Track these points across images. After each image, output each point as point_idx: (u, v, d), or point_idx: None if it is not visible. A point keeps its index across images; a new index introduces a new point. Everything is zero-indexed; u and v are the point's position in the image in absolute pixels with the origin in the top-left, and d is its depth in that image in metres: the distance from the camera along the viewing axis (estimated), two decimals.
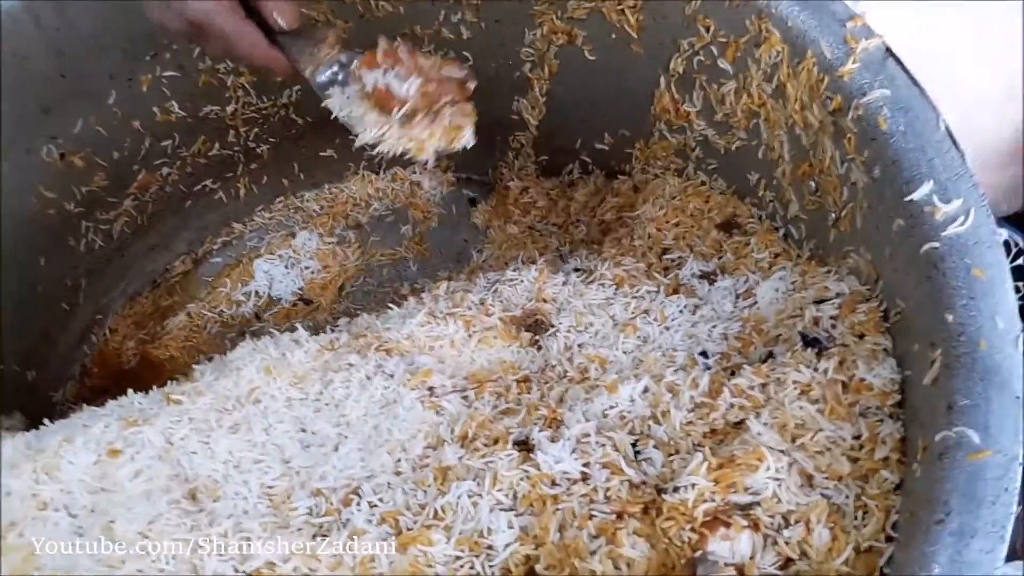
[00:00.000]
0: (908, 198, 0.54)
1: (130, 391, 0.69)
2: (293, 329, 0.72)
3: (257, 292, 1.01)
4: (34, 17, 0.74)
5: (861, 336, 0.57)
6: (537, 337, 0.70)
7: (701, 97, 0.77)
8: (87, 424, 0.62)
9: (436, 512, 0.55)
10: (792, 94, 0.65)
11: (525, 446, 0.58)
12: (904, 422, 0.52)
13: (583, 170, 1.00)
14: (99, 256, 0.95)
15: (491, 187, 1.08)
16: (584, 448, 0.57)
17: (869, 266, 0.60)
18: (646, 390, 0.60)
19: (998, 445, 0.45)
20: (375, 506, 0.56)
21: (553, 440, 0.57)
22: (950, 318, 0.49)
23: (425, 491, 0.57)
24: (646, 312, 0.69)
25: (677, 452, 0.56)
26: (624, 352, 0.66)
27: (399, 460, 0.59)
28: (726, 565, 0.48)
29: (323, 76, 0.62)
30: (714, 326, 0.66)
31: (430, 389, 0.64)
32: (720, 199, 0.79)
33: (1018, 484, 0.44)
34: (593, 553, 0.51)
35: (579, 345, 0.68)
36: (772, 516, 0.50)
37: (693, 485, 0.51)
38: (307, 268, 1.03)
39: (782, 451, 0.52)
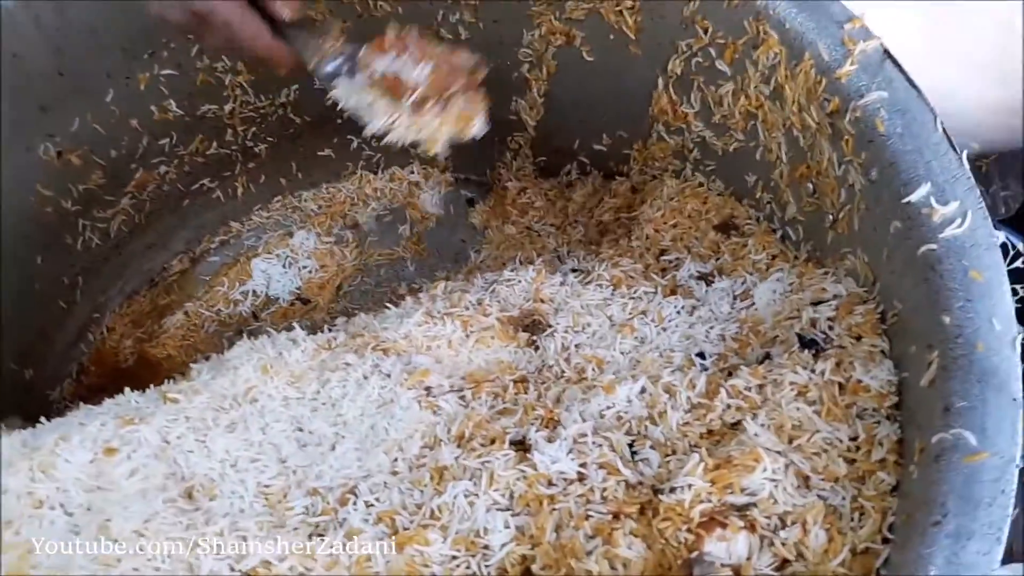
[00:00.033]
0: (905, 200, 0.54)
1: (127, 389, 0.68)
2: (290, 328, 0.71)
3: (254, 291, 1.01)
4: (33, 16, 0.74)
5: (858, 338, 0.57)
6: (534, 337, 0.70)
7: (699, 98, 0.77)
8: (84, 422, 0.62)
9: (432, 512, 0.55)
10: (790, 96, 0.65)
11: (522, 446, 0.58)
12: (901, 424, 0.52)
13: (581, 171, 1.00)
14: (96, 254, 0.95)
15: (489, 187, 1.08)
16: (581, 448, 0.57)
17: (866, 268, 0.60)
18: (643, 391, 0.60)
19: (995, 447, 0.45)
20: (371, 506, 0.56)
21: (550, 440, 0.57)
22: (947, 320, 0.49)
23: (421, 491, 0.57)
24: (643, 313, 0.69)
25: (674, 453, 0.56)
26: (621, 353, 0.66)
27: (396, 460, 0.59)
28: (722, 566, 0.48)
29: (329, 67, 0.61)
30: (711, 327, 0.66)
31: (427, 389, 0.64)
32: (718, 200, 0.79)
33: (1015, 486, 0.44)
34: (589, 553, 0.51)
35: (576, 345, 0.68)
36: (768, 517, 0.50)
37: (690, 486, 0.51)
38: (305, 267, 1.03)
39: (779, 452, 0.52)
